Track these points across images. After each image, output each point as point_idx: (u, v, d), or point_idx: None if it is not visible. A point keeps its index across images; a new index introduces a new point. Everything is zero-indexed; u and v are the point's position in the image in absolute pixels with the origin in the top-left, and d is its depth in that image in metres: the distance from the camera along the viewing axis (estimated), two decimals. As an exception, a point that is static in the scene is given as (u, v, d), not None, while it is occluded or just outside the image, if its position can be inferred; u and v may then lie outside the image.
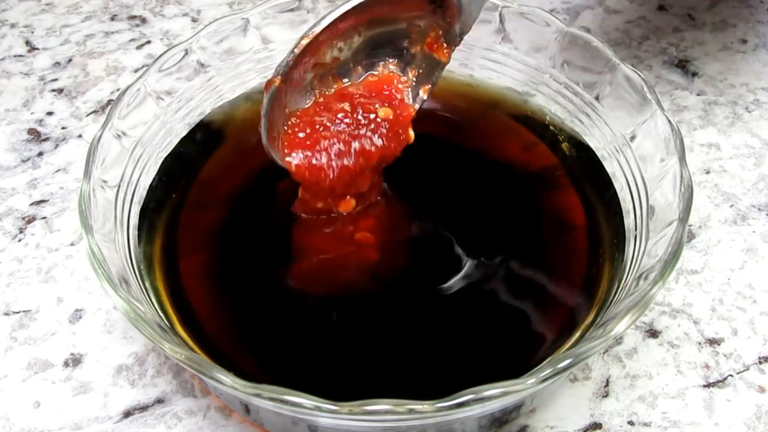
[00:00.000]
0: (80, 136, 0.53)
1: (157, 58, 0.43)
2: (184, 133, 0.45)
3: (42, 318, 0.42)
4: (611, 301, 0.37)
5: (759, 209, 0.48)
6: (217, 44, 0.46)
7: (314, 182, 0.39)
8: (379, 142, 0.39)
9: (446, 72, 0.43)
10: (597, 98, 0.44)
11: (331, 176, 0.38)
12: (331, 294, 0.39)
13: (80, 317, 0.42)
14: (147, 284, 0.38)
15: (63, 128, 0.53)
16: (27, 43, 0.60)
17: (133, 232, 0.39)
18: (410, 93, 0.41)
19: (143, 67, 0.56)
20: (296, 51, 0.37)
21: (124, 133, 0.41)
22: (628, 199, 0.41)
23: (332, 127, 0.39)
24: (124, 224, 0.39)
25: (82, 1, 0.64)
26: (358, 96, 0.40)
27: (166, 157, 0.43)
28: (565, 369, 0.30)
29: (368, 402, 0.29)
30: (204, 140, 0.45)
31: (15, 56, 0.59)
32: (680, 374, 0.40)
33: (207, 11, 0.63)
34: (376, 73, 0.41)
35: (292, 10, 0.47)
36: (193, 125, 0.45)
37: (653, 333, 0.42)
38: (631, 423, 0.38)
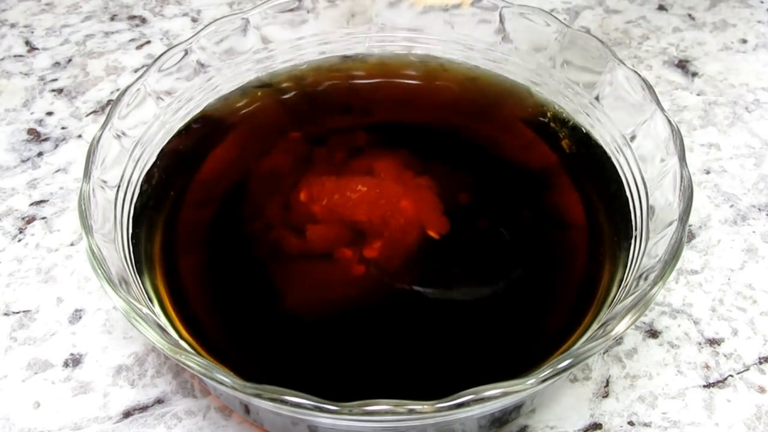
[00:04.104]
0: (80, 136, 0.53)
1: (157, 58, 0.43)
2: (182, 130, 0.45)
3: (42, 318, 0.42)
4: (612, 302, 0.37)
5: (759, 209, 0.48)
6: (217, 44, 0.46)
7: None
8: None
9: (449, 67, 0.43)
10: (597, 98, 0.44)
11: None
12: (329, 298, 0.39)
13: (80, 317, 0.42)
14: (147, 283, 0.38)
15: (63, 128, 0.53)
16: (27, 43, 0.60)
17: (133, 231, 0.39)
18: None
19: (143, 67, 0.56)
20: None
21: (123, 133, 0.41)
22: (628, 199, 0.41)
23: None
24: (124, 224, 0.39)
25: (82, 1, 0.64)
26: None
27: (163, 154, 0.43)
28: (565, 369, 0.30)
29: (368, 402, 0.29)
30: (202, 136, 0.45)
31: (15, 56, 0.59)
32: (680, 374, 0.40)
33: (207, 11, 0.63)
34: None
35: (292, 10, 0.47)
36: (189, 121, 0.45)
37: (653, 333, 0.42)
38: (631, 423, 0.38)
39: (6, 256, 0.45)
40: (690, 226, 0.46)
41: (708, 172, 0.50)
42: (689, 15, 0.62)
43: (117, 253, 0.37)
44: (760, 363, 0.40)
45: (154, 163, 0.43)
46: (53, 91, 0.56)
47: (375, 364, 0.37)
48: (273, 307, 0.39)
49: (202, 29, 0.45)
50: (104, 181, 0.38)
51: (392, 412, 0.29)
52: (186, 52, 0.44)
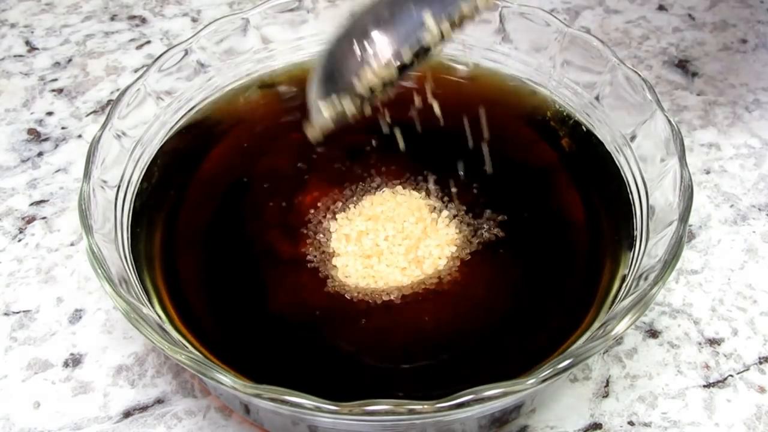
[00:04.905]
0: (80, 136, 0.53)
1: (157, 58, 0.43)
2: (182, 130, 0.45)
3: (42, 318, 0.42)
4: (612, 302, 0.37)
5: (759, 209, 0.48)
6: (217, 44, 0.46)
7: None
8: None
9: (449, 66, 0.44)
10: (597, 98, 0.44)
11: None
12: (330, 298, 0.39)
13: (80, 317, 0.42)
14: (146, 282, 0.38)
15: (63, 128, 0.53)
16: (27, 43, 0.60)
17: (133, 230, 0.39)
18: None
19: (143, 67, 0.56)
20: None
21: (124, 133, 0.41)
22: (628, 199, 0.41)
23: None
24: (124, 224, 0.39)
25: (82, 1, 0.64)
26: None
27: (162, 154, 0.43)
28: (565, 369, 0.30)
29: (368, 402, 0.29)
30: (202, 136, 0.45)
31: (15, 56, 0.59)
32: (680, 374, 0.40)
33: (207, 11, 0.63)
34: None
35: (292, 10, 0.47)
36: (189, 120, 0.45)
37: (653, 333, 0.42)
38: (631, 423, 0.38)
39: (6, 256, 0.45)
40: (690, 226, 0.46)
41: (708, 172, 0.50)
42: (689, 15, 0.62)
43: (117, 253, 0.37)
44: (760, 363, 0.40)
45: (154, 163, 0.43)
46: (53, 91, 0.56)
47: (375, 364, 0.37)
48: (273, 306, 0.39)
49: (202, 29, 0.45)
50: (104, 181, 0.38)
51: (392, 412, 0.29)
52: (186, 52, 0.44)
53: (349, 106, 0.35)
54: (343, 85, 0.35)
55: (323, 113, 0.35)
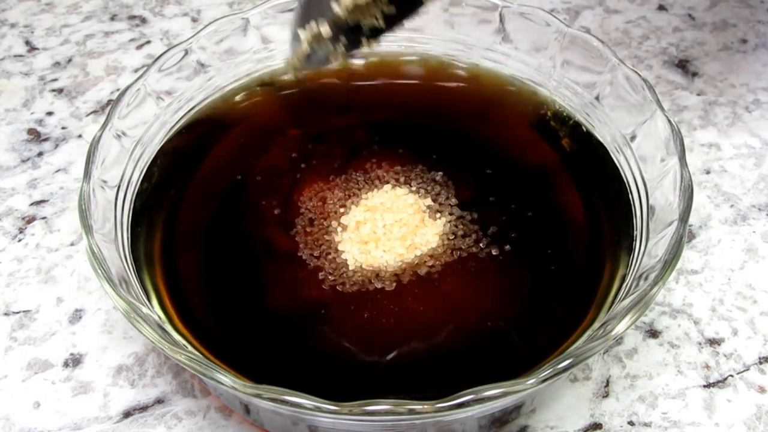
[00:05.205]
0: (80, 136, 0.53)
1: (157, 58, 0.43)
2: (182, 130, 0.45)
3: (42, 318, 0.42)
4: (612, 302, 0.37)
5: (759, 209, 0.48)
6: (217, 44, 0.46)
7: None
8: None
9: (449, 66, 0.44)
10: (597, 98, 0.44)
11: None
12: (330, 296, 0.39)
13: (80, 317, 0.42)
14: (147, 282, 0.38)
15: (63, 128, 0.53)
16: (27, 43, 0.60)
17: (133, 230, 0.39)
18: None
19: (143, 67, 0.56)
20: None
21: (124, 133, 0.41)
22: (628, 198, 0.41)
23: None
24: (124, 224, 0.39)
25: (82, 1, 0.64)
26: None
27: (162, 154, 0.43)
28: (565, 369, 0.30)
29: (368, 402, 0.29)
30: (202, 135, 0.45)
31: (15, 56, 0.59)
32: (680, 374, 0.40)
33: (207, 11, 0.63)
34: None
35: (292, 10, 0.47)
36: (189, 120, 0.45)
37: (653, 333, 0.42)
38: (631, 423, 0.38)
39: (6, 256, 0.45)
40: (690, 226, 0.46)
41: (708, 172, 0.50)
42: (689, 15, 0.62)
43: (117, 253, 0.37)
44: (760, 363, 0.40)
45: (154, 163, 0.43)
46: (53, 91, 0.56)
47: (376, 363, 0.37)
48: (272, 302, 0.39)
49: (202, 29, 0.45)
50: (104, 181, 0.38)
51: (392, 412, 0.29)
52: (186, 52, 0.44)
53: (326, 31, 0.35)
54: (321, 9, 0.35)
55: (301, 39, 0.36)
